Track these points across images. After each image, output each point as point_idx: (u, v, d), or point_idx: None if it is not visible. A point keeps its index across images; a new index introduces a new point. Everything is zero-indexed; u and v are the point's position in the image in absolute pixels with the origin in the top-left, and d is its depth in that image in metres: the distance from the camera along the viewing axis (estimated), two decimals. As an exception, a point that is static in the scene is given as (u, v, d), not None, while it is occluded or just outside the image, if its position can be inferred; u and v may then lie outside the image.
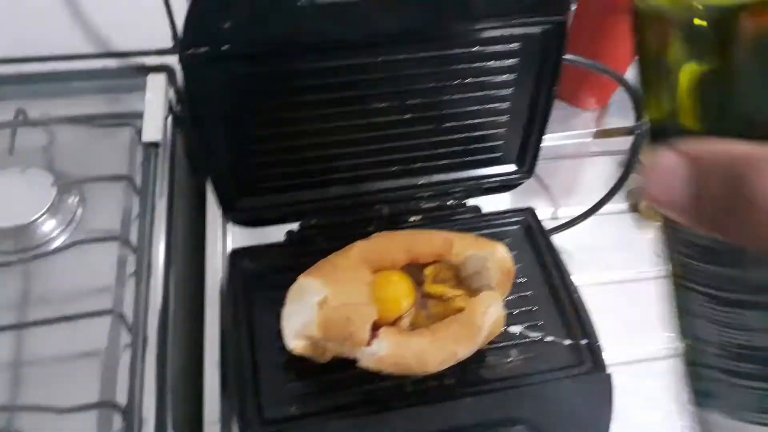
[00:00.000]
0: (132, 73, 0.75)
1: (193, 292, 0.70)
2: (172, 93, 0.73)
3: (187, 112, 0.80)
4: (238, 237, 0.65)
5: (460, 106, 0.53)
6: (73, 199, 0.67)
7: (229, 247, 0.65)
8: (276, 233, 0.59)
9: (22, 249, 0.63)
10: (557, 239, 0.60)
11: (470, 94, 0.52)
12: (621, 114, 0.81)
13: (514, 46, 0.50)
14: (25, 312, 0.61)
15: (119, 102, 0.76)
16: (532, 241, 0.59)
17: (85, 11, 0.70)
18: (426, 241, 0.51)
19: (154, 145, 0.65)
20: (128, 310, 0.59)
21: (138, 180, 0.67)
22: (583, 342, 0.53)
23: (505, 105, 0.54)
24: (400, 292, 0.49)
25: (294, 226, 0.58)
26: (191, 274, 0.72)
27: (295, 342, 0.47)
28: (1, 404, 0.54)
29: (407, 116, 0.52)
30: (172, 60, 0.76)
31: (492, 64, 0.51)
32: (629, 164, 0.64)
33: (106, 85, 0.76)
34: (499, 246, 0.51)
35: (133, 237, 0.64)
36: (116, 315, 0.56)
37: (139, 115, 0.73)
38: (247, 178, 0.53)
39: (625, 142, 0.79)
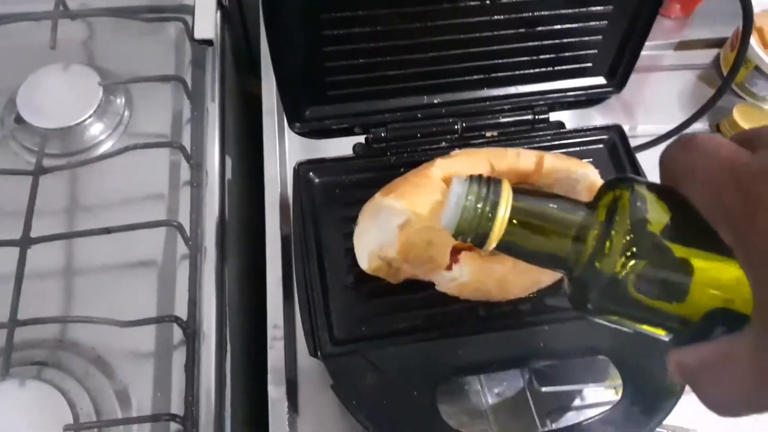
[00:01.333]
0: (176, -39, 0.69)
1: (249, 200, 0.68)
2: (221, -16, 0.67)
3: (236, 5, 0.74)
4: (296, 146, 0.61)
5: (556, 7, 0.47)
6: (120, 100, 0.63)
7: (287, 156, 0.61)
8: (336, 145, 0.55)
9: (69, 152, 0.60)
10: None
11: (570, -4, 0.46)
12: (705, 24, 0.74)
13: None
14: (74, 218, 0.58)
15: (163, -7, 0.70)
16: (617, 161, 0.54)
17: None
18: (513, 159, 0.47)
19: (207, 42, 0.60)
20: (184, 219, 0.57)
21: (189, 81, 0.62)
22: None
23: (607, 9, 0.48)
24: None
25: (361, 138, 0.53)
26: (246, 181, 0.69)
27: (369, 263, 0.45)
28: (57, 314, 0.53)
29: (496, 17, 0.47)
30: (219, -54, 0.69)
31: (600, -40, 0.44)
32: (726, 81, 0.58)
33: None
34: (590, 168, 0.47)
35: (186, 142, 0.61)
36: (173, 226, 0.53)
37: (185, 8, 0.68)
38: (316, 85, 0.48)
39: (707, 56, 0.73)
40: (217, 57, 0.64)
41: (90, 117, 0.61)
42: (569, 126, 0.57)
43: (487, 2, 0.45)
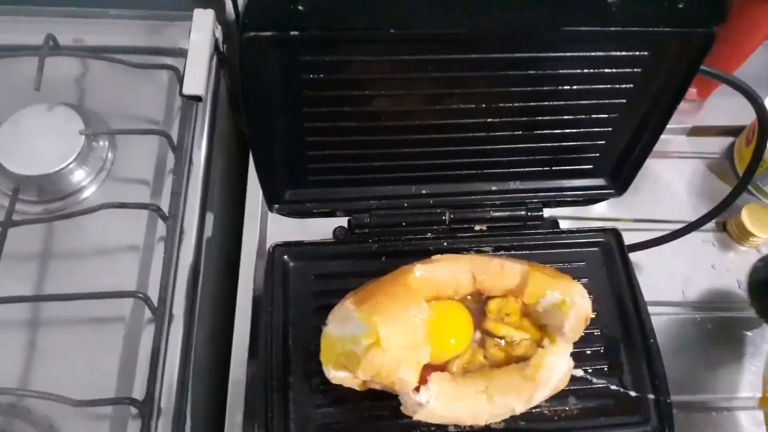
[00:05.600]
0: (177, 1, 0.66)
1: (231, 255, 0.65)
2: (219, 32, 0.64)
3: (234, 60, 0.72)
4: (280, 221, 0.59)
5: (559, 113, 0.44)
6: (103, 143, 0.61)
7: (268, 232, 0.59)
8: (322, 224, 0.52)
9: (47, 199, 0.58)
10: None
11: (575, 102, 0.44)
12: (721, 109, 0.70)
13: (642, 54, 0.40)
14: (44, 270, 0.56)
15: (160, 33, 0.67)
16: (611, 267, 0.52)
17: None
18: (497, 273, 0.44)
19: (195, 98, 0.58)
20: (155, 280, 0.55)
21: (175, 135, 0.60)
22: (651, 397, 0.47)
23: (612, 116, 0.45)
24: (458, 332, 0.43)
25: (343, 221, 0.51)
26: (225, 240, 0.67)
27: (334, 373, 0.42)
28: (14, 373, 0.51)
29: (492, 120, 0.44)
30: (223, -13, 0.66)
31: (609, 71, 0.41)
32: (740, 184, 0.55)
33: (146, 12, 0.67)
34: (579, 289, 0.44)
35: (166, 196, 0.58)
36: (139, 298, 0.51)
37: (181, 52, 0.65)
38: (296, 170, 0.46)
39: (720, 144, 0.70)
40: (207, 110, 0.62)
41: (71, 164, 0.58)
42: (564, 217, 0.54)
43: (482, 106, 0.42)
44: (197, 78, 0.57)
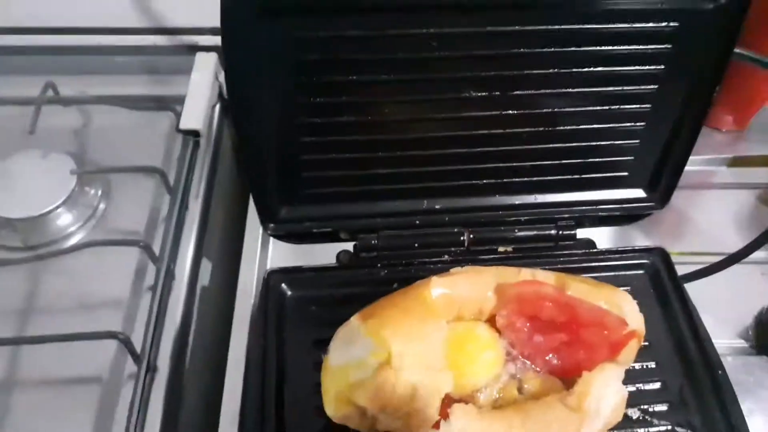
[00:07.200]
0: (180, 52, 0.65)
1: (223, 317, 0.59)
2: (223, 76, 0.62)
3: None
4: (281, 253, 0.53)
5: (583, 104, 0.39)
6: (95, 191, 0.57)
7: (269, 262, 0.53)
8: (327, 251, 0.46)
9: (32, 245, 0.54)
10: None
11: (601, 89, 0.39)
12: (764, 139, 0.65)
13: (671, 26, 0.36)
14: (27, 318, 0.51)
15: (164, 84, 0.66)
16: (661, 293, 0.44)
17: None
18: (528, 285, 0.37)
19: (193, 133, 0.54)
20: (139, 330, 0.48)
21: (171, 175, 0.56)
22: (730, 440, 0.38)
23: (645, 107, 0.40)
24: (484, 357, 0.36)
25: (348, 245, 0.45)
26: (224, 294, 0.61)
27: (336, 408, 0.34)
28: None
29: (510, 113, 0.39)
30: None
31: (635, 48, 0.37)
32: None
33: (151, 64, 0.66)
34: (627, 299, 0.37)
35: (157, 242, 0.53)
36: (118, 339, 0.45)
37: (183, 100, 0.63)
38: (292, 181, 0.41)
39: (766, 174, 0.64)
40: (208, 151, 0.58)
41: (58, 207, 0.54)
42: (601, 247, 0.47)
43: (497, 96, 0.38)
44: (195, 113, 0.54)
